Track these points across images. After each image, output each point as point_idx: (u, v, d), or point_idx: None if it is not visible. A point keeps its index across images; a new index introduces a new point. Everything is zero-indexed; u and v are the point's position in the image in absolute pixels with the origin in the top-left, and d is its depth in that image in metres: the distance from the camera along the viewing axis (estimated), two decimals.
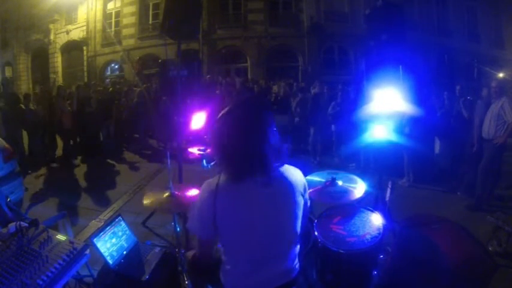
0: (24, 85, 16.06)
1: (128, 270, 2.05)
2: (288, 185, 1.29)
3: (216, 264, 1.41)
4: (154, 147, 7.87)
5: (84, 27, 15.28)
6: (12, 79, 16.20)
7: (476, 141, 4.53)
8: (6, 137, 5.23)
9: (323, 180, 2.20)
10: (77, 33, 15.47)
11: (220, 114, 1.24)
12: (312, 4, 13.75)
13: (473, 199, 4.41)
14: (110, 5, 15.30)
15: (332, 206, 2.08)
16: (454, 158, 5.45)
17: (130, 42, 14.87)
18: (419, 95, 4.97)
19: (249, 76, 13.04)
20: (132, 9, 14.80)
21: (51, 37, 15.77)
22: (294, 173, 1.34)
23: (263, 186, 1.21)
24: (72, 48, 15.86)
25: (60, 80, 15.26)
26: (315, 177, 2.24)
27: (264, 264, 1.29)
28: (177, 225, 2.40)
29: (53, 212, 3.63)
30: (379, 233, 1.83)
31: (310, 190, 2.09)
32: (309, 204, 1.48)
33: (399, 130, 4.53)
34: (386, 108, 2.60)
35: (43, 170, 6.17)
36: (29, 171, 5.85)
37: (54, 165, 6.52)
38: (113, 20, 15.27)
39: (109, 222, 2.20)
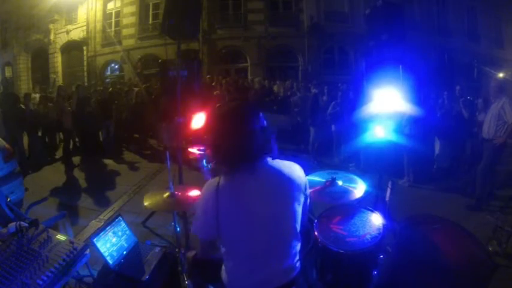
0: (24, 85, 16.04)
1: (127, 270, 2.04)
2: (286, 181, 1.31)
3: (216, 264, 1.42)
4: (154, 147, 7.88)
5: (84, 27, 15.27)
6: (12, 79, 16.19)
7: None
8: (6, 137, 5.23)
9: (323, 180, 2.19)
10: (77, 33, 15.46)
11: (212, 111, 1.34)
12: (312, 4, 13.75)
13: (473, 199, 4.41)
14: (110, 5, 15.29)
15: (332, 206, 2.08)
16: (454, 157, 5.46)
17: (130, 42, 14.86)
18: (419, 95, 4.97)
19: (249, 76, 13.03)
20: (132, 9, 14.80)
21: (51, 37, 15.76)
22: (293, 169, 1.36)
23: (261, 181, 1.25)
24: (72, 48, 15.85)
25: (60, 80, 15.26)
26: (315, 177, 2.24)
27: (265, 263, 1.30)
28: (177, 225, 2.40)
29: (53, 212, 3.63)
30: (379, 233, 1.83)
31: (310, 190, 2.09)
32: (308, 201, 1.49)
33: (399, 130, 4.53)
34: (386, 108, 2.60)
35: (43, 170, 6.18)
36: (29, 171, 5.86)
37: (54, 165, 6.52)
38: (113, 20, 15.26)
39: (109, 222, 2.19)
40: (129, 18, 14.88)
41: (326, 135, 6.38)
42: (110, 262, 2.03)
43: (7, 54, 16.36)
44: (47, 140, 7.26)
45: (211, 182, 1.31)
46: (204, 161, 2.75)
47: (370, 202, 2.64)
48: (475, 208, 4.24)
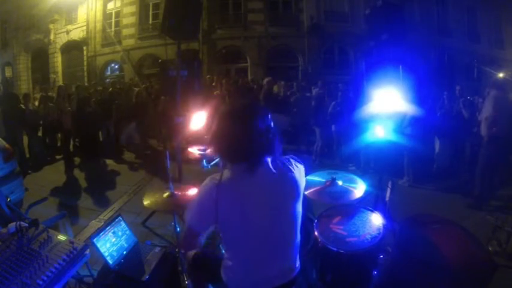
0: (24, 85, 16.03)
1: (127, 270, 2.05)
2: (289, 178, 1.31)
3: (216, 264, 1.42)
4: (154, 147, 7.88)
5: (84, 27, 15.27)
6: (12, 79, 16.19)
7: None
8: (6, 137, 5.23)
9: (323, 180, 2.20)
10: (77, 33, 15.46)
11: (221, 110, 1.30)
12: (312, 4, 13.74)
13: (473, 199, 4.41)
14: (110, 5, 15.29)
15: (332, 206, 2.08)
16: (454, 157, 5.46)
17: (130, 42, 14.86)
18: (419, 95, 4.97)
19: (249, 76, 13.03)
20: (132, 9, 14.79)
21: (51, 37, 15.75)
22: (293, 167, 1.36)
23: (261, 180, 1.26)
24: (72, 48, 15.85)
25: (60, 80, 15.25)
26: (315, 177, 2.24)
27: (265, 262, 1.30)
28: (177, 225, 2.40)
29: (53, 212, 3.62)
30: (379, 233, 1.83)
31: (311, 190, 2.09)
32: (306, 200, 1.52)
33: (400, 130, 4.54)
34: (386, 108, 2.60)
35: (43, 170, 6.18)
36: (29, 171, 5.85)
37: (54, 165, 6.51)
38: (113, 20, 15.25)
39: (109, 222, 2.20)
40: (129, 18, 14.88)
41: (327, 135, 6.39)
42: (110, 262, 2.03)
43: (7, 54, 16.37)
44: (47, 140, 7.26)
45: (214, 176, 1.31)
46: (204, 161, 2.76)
47: (370, 202, 2.64)
48: (475, 208, 4.24)
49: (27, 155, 6.45)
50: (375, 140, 2.84)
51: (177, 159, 3.29)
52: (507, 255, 3.00)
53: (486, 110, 4.21)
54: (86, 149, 6.97)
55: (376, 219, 1.94)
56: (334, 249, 1.75)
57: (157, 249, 2.24)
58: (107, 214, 4.18)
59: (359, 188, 2.13)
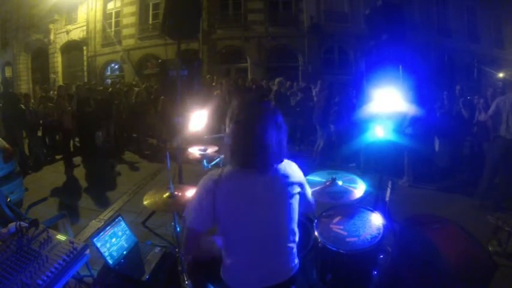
0: (24, 85, 16.03)
1: (128, 270, 2.05)
2: (283, 177, 1.34)
3: (216, 264, 1.42)
4: (154, 147, 7.88)
5: (84, 27, 15.26)
6: (12, 79, 16.19)
7: None
8: (6, 137, 5.23)
9: (323, 180, 2.19)
10: (77, 33, 15.46)
11: (237, 115, 1.28)
12: (312, 4, 13.74)
13: (473, 199, 4.40)
14: (110, 5, 15.28)
15: (332, 206, 2.08)
16: (453, 157, 5.46)
17: (130, 42, 14.86)
18: (419, 95, 4.97)
19: (249, 76, 13.03)
20: (132, 9, 14.79)
21: (51, 37, 15.75)
22: (290, 167, 1.39)
23: (261, 178, 1.28)
24: (72, 48, 15.85)
25: (60, 80, 15.24)
26: (315, 177, 2.23)
27: (263, 260, 1.31)
28: (177, 225, 2.40)
29: (53, 212, 3.62)
30: (379, 233, 1.83)
31: (311, 190, 2.09)
32: (312, 200, 1.58)
33: (399, 130, 4.54)
34: (386, 108, 2.60)
35: (43, 170, 6.18)
36: (29, 171, 5.85)
37: (54, 165, 6.51)
38: (113, 20, 15.25)
39: (109, 222, 2.20)
40: (129, 18, 14.88)
41: (328, 135, 6.38)
42: (110, 262, 2.03)
43: (7, 54, 16.36)
44: (47, 140, 7.26)
45: (213, 172, 1.33)
46: (205, 161, 2.76)
47: (370, 202, 2.64)
48: (475, 208, 4.24)
49: (27, 155, 6.45)
50: (375, 140, 2.84)
51: (177, 160, 3.28)
52: (507, 255, 3.00)
53: (494, 111, 4.17)
54: (86, 149, 6.98)
55: (376, 219, 1.94)
56: (334, 249, 1.75)
57: (157, 249, 2.24)
58: (107, 214, 4.18)
59: (359, 188, 2.13)
